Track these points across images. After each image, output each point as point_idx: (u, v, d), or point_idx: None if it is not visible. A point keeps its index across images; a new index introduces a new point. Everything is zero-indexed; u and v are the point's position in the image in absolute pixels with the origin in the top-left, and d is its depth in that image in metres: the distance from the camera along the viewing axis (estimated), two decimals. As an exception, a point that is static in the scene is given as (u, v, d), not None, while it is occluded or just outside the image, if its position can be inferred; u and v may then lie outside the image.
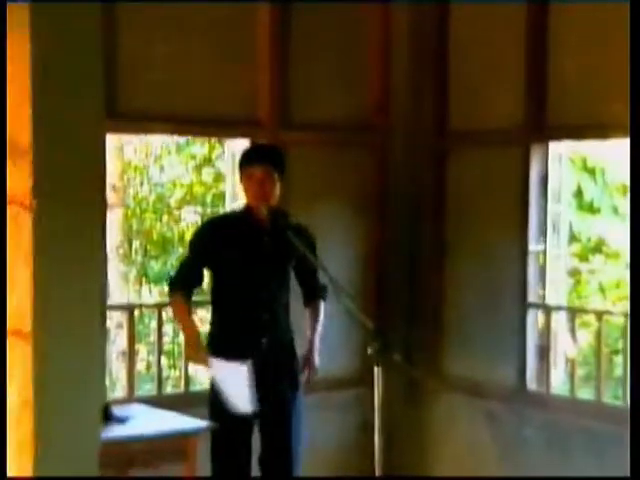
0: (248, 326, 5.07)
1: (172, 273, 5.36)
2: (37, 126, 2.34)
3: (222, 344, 5.11)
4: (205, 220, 5.73)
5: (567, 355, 7.00)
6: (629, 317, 2.96)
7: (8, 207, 2.36)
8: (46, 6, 2.38)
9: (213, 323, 5.21)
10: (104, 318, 5.87)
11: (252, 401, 4.73)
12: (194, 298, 5.30)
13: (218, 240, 5.10)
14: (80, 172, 2.42)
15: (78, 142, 2.42)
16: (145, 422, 5.08)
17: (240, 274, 5.09)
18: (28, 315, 2.33)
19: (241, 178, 5.15)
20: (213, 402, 5.07)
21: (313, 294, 5.32)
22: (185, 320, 5.12)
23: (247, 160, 5.14)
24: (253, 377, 4.77)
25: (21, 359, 2.35)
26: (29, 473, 2.36)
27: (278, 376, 5.12)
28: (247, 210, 5.13)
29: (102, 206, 5.89)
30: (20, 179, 2.35)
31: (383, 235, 7.11)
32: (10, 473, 2.34)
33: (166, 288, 5.38)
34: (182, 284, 5.12)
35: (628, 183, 9.45)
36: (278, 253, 5.10)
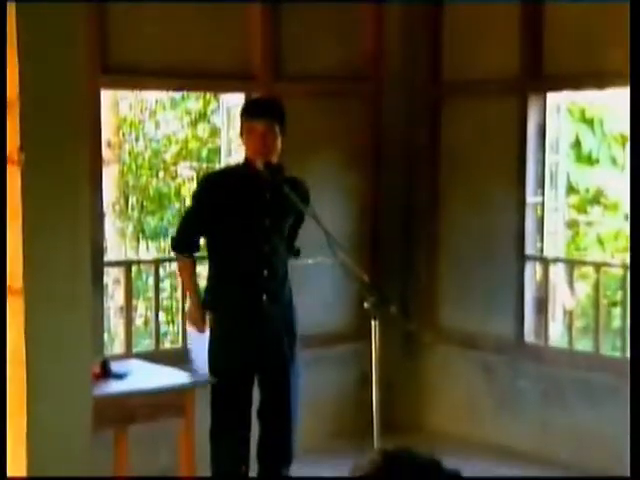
0: (247, 281, 5.07)
1: (174, 233, 5.33)
2: (24, 79, 2.31)
3: (222, 300, 5.11)
4: (203, 176, 5.71)
5: (565, 307, 7.00)
6: (629, 287, 2.95)
7: None
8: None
9: (211, 279, 5.20)
10: (99, 273, 5.88)
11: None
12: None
13: (217, 195, 5.08)
14: (67, 126, 2.40)
15: (65, 95, 2.39)
16: (143, 377, 5.08)
17: (240, 229, 5.07)
18: (18, 271, 2.31)
19: (241, 132, 5.11)
20: (213, 356, 5.10)
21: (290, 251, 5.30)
22: (188, 283, 5.24)
23: (248, 114, 5.09)
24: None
25: (12, 315, 2.33)
26: (23, 431, 2.36)
27: (277, 331, 5.12)
28: (246, 165, 5.10)
29: (96, 161, 5.87)
30: (8, 133, 2.32)
31: (378, 187, 7.08)
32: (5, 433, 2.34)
33: (170, 248, 5.39)
34: (187, 247, 5.14)
35: (627, 133, 9.41)
36: (278, 208, 5.08)
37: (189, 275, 5.20)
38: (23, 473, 2.33)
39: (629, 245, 3.24)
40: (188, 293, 5.34)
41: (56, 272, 2.39)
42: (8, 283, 2.32)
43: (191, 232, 5.14)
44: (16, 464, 2.35)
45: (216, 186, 5.14)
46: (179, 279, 5.93)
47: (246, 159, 5.12)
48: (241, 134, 5.12)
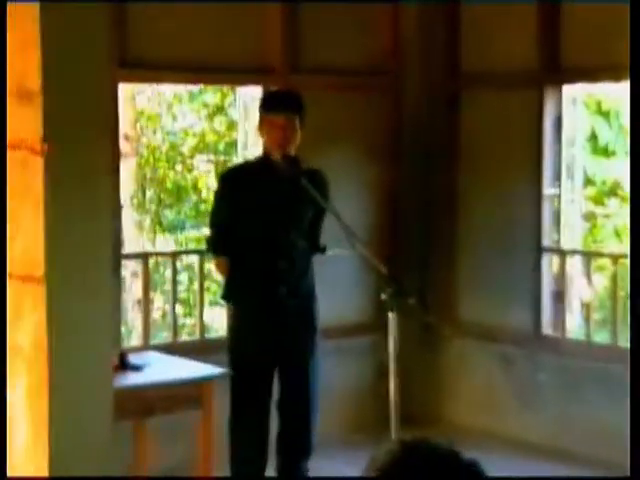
0: (266, 274, 5.07)
1: (208, 236, 5.33)
2: (46, 71, 2.31)
3: (241, 293, 5.13)
4: (222, 171, 5.70)
5: (582, 299, 6.99)
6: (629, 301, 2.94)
7: (15, 152, 2.34)
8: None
9: (230, 272, 5.21)
10: (117, 264, 5.89)
11: None
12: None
13: (237, 189, 5.08)
14: (89, 117, 2.41)
15: (87, 87, 2.40)
16: (161, 369, 5.10)
17: (259, 222, 5.08)
18: (39, 260, 2.32)
19: (260, 125, 5.10)
20: (233, 349, 5.11)
21: (314, 247, 5.29)
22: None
23: (268, 107, 5.08)
24: None
25: (32, 304, 2.34)
26: (44, 417, 2.37)
27: (296, 324, 5.13)
28: (265, 158, 5.10)
29: (114, 153, 5.88)
30: (29, 123, 2.33)
31: (396, 179, 7.08)
32: (24, 419, 2.36)
33: (208, 251, 5.40)
34: (223, 248, 5.15)
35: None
36: (296, 201, 5.07)
37: (227, 272, 5.20)
38: (45, 460, 2.35)
39: (629, 239, 3.24)
40: None
41: (77, 261, 2.41)
42: (29, 272, 2.33)
43: (221, 231, 5.15)
44: (38, 451, 2.37)
45: (235, 180, 5.14)
46: (217, 274, 5.86)
47: (265, 152, 5.12)
48: (260, 127, 5.11)
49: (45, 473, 2.33)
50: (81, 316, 2.40)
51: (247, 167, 5.38)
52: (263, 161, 5.12)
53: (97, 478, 2.43)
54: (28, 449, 2.35)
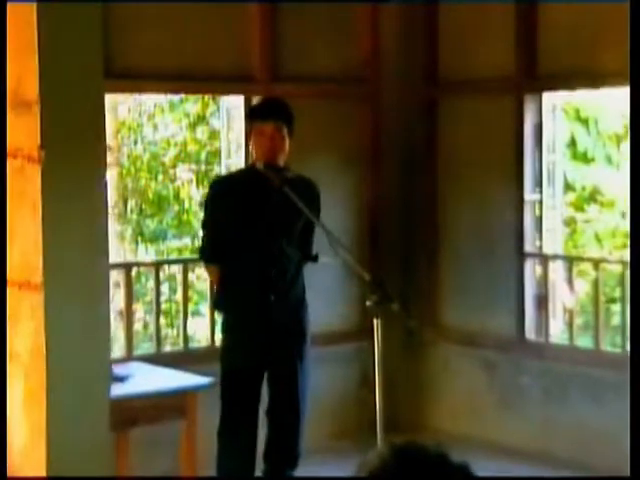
0: (257, 282, 5.08)
1: (201, 245, 5.33)
2: (44, 81, 2.34)
3: (231, 301, 5.14)
4: (211, 181, 5.71)
5: (565, 304, 7.02)
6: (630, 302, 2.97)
7: (12, 160, 2.37)
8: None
9: (221, 280, 5.21)
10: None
11: None
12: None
13: (226, 198, 5.10)
14: (84, 125, 2.44)
15: (82, 96, 2.44)
16: (145, 380, 5.09)
17: (248, 231, 5.09)
18: (36, 267, 2.34)
19: (249, 134, 5.12)
20: (223, 356, 5.13)
21: (306, 256, 5.30)
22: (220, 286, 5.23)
23: (257, 116, 5.10)
24: None
25: (30, 310, 2.36)
26: (42, 421, 2.39)
27: (286, 331, 5.13)
28: (254, 166, 5.12)
29: (104, 161, 5.88)
30: (26, 132, 2.36)
31: (377, 186, 7.11)
32: (21, 424, 2.38)
33: (199, 259, 5.40)
34: (215, 258, 5.16)
35: (621, 132, 9.45)
36: (285, 209, 5.07)
37: (219, 280, 5.21)
38: (43, 463, 2.38)
39: (629, 244, 3.27)
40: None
41: (74, 268, 2.43)
42: (27, 278, 2.35)
43: (215, 240, 5.16)
44: (36, 454, 2.39)
45: (225, 189, 5.16)
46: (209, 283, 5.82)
47: (253, 161, 5.14)
48: (248, 136, 5.13)
49: (43, 475, 2.35)
50: (78, 322, 2.43)
51: (236, 176, 5.41)
52: (251, 170, 5.14)
53: (93, 479, 2.46)
54: (26, 452, 2.38)
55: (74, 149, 2.40)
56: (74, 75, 2.38)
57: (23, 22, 2.32)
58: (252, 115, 5.14)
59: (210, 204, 5.21)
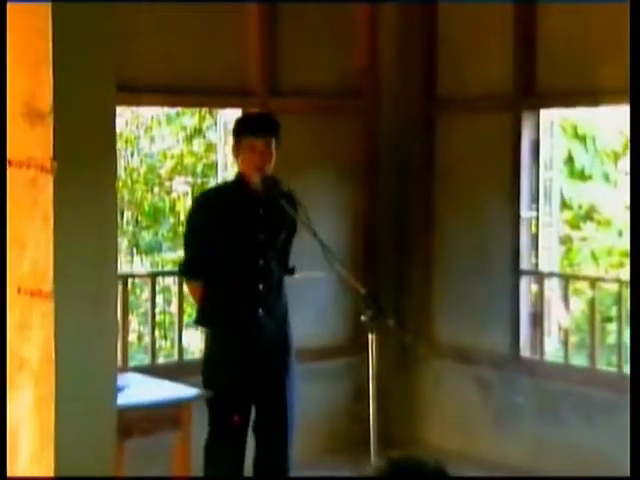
0: (243, 297, 5.07)
1: (183, 260, 5.31)
2: (58, 90, 2.39)
3: (217, 315, 5.11)
4: (195, 197, 5.71)
5: (560, 322, 7.01)
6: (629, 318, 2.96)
7: (25, 170, 2.44)
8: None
9: (206, 294, 5.19)
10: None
11: None
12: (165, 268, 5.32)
13: (210, 213, 5.08)
14: (96, 135, 2.50)
15: (94, 107, 2.49)
16: (140, 391, 5.08)
17: (234, 245, 5.07)
18: (47, 275, 2.41)
19: (238, 147, 5.09)
20: (209, 372, 5.11)
21: (285, 270, 5.28)
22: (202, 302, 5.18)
23: (246, 130, 5.07)
24: None
25: (40, 318, 2.43)
26: (50, 428, 2.44)
27: (273, 345, 5.12)
28: (240, 180, 5.11)
29: (114, 172, 5.87)
30: (39, 143, 2.42)
31: (372, 201, 7.11)
32: (30, 429, 2.43)
33: (182, 275, 5.36)
34: (198, 272, 5.12)
35: (618, 150, 9.45)
36: (271, 222, 5.09)
37: (201, 296, 5.17)
38: (51, 470, 2.43)
39: (629, 254, 3.26)
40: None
41: (84, 275, 2.50)
42: (38, 287, 2.42)
43: (197, 255, 5.14)
44: (44, 461, 2.44)
45: (208, 205, 5.15)
46: (191, 299, 5.77)
47: (240, 175, 5.13)
48: (236, 150, 5.11)
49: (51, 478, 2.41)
50: (87, 330, 2.49)
51: (221, 190, 5.40)
52: (238, 184, 5.12)
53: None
54: (33, 459, 2.44)
55: (86, 160, 2.46)
56: (87, 86, 2.45)
57: (38, 34, 2.38)
58: (242, 130, 5.11)
59: (195, 219, 5.18)
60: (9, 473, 2.40)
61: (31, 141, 2.42)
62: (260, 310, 5.07)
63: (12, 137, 2.50)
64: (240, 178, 5.12)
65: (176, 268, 6.10)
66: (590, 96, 6.36)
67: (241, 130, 5.11)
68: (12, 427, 2.51)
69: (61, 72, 2.39)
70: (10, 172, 2.51)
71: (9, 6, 2.48)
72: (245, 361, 5.06)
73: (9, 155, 2.51)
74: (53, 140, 2.37)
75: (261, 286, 5.07)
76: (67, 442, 2.44)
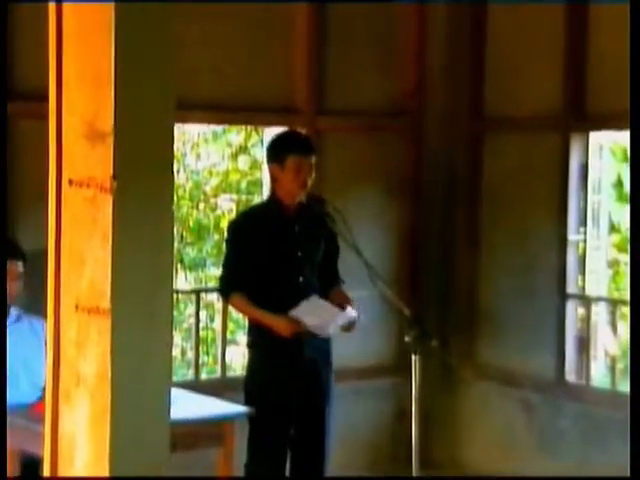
0: (284, 314, 5.05)
1: (219, 281, 5.29)
2: (119, 110, 2.44)
3: (259, 335, 5.11)
4: (231, 221, 5.73)
5: (607, 348, 6.93)
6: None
7: (85, 189, 2.50)
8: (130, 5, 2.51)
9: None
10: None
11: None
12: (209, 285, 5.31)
13: (248, 235, 5.10)
14: (155, 155, 2.54)
15: (154, 126, 2.54)
16: (184, 407, 5.08)
17: (273, 263, 5.08)
18: (105, 292, 2.46)
19: (282, 166, 5.06)
20: (252, 391, 5.10)
21: (335, 281, 5.26)
22: (253, 311, 5.10)
23: (295, 149, 5.07)
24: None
25: (97, 335, 2.49)
26: (105, 444, 2.48)
27: (315, 363, 5.12)
28: (277, 200, 5.11)
29: (172, 192, 5.88)
30: (99, 162, 2.48)
31: (418, 221, 7.09)
32: (86, 444, 2.50)
33: (220, 296, 5.35)
34: (235, 288, 5.10)
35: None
36: (308, 239, 5.12)
37: (249, 306, 5.10)
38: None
39: (630, 252, 3.22)
40: (265, 319, 5.05)
41: (142, 293, 2.55)
42: (96, 304, 2.48)
43: (234, 276, 5.13)
44: (99, 472, 2.50)
45: (245, 227, 5.17)
46: (249, 319, 5.66)
47: (276, 194, 5.12)
48: (279, 169, 5.08)
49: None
50: (143, 347, 2.54)
51: (255, 212, 5.41)
52: (276, 202, 5.12)
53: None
54: (88, 473, 2.53)
55: (144, 180, 2.52)
56: (147, 105, 2.51)
57: (101, 54, 2.44)
58: (288, 149, 5.08)
59: (232, 242, 5.17)
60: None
61: (91, 161, 2.48)
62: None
63: (74, 157, 2.56)
64: (275, 198, 5.12)
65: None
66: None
67: (287, 149, 5.08)
68: (68, 441, 2.56)
69: (122, 91, 2.44)
70: (71, 191, 2.56)
71: (72, 27, 2.52)
72: (287, 379, 5.06)
73: (70, 174, 2.56)
74: (114, 160, 2.43)
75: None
76: (121, 456, 2.48)
